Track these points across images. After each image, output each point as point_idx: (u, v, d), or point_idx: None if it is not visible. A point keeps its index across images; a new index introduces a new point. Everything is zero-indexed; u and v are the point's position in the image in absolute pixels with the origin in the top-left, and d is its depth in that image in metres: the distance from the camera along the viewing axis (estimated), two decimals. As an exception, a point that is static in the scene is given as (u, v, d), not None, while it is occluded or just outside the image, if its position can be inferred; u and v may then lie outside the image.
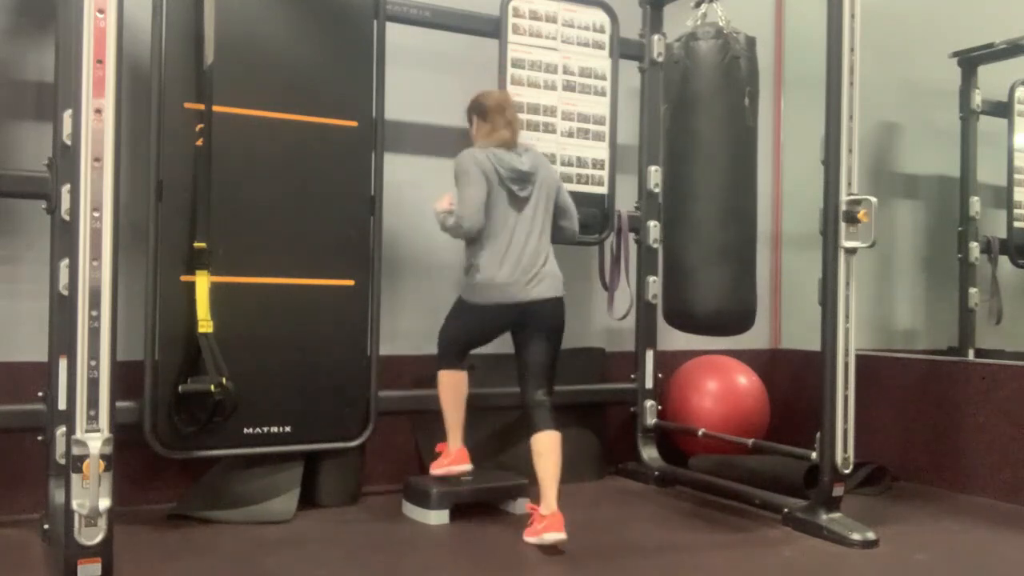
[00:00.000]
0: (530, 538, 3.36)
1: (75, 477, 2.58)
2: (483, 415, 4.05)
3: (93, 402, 2.61)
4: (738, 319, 4.10)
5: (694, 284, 4.04)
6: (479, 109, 3.66)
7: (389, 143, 3.95)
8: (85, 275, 2.61)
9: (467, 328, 3.65)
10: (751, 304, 4.10)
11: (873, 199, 3.42)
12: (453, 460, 3.71)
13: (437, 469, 3.73)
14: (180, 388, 3.45)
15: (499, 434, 4.24)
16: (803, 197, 4.59)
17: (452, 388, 3.70)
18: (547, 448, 3.42)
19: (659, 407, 4.57)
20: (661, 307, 4.34)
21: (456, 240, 3.61)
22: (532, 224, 3.55)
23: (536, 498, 3.41)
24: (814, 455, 3.58)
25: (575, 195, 4.26)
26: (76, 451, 2.58)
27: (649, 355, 4.55)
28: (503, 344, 3.91)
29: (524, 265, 3.50)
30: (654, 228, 4.49)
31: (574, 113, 4.34)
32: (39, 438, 3.25)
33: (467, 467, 3.71)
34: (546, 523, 3.31)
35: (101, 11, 2.64)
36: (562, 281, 3.61)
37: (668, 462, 4.49)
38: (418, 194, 3.82)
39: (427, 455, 4.21)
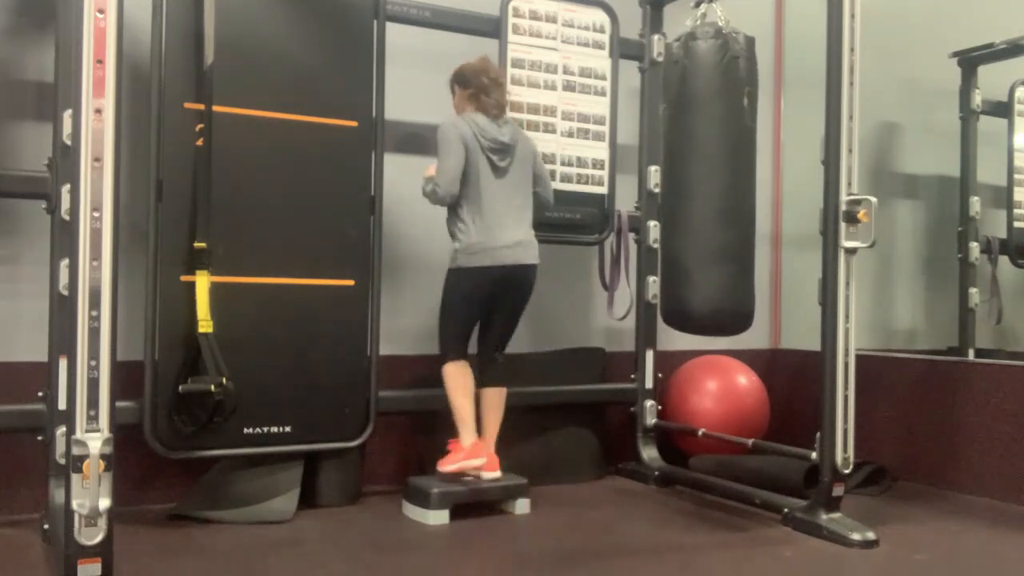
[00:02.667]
0: (448, 466, 3.65)
1: (75, 477, 2.58)
2: (478, 421, 4.04)
3: (93, 402, 2.61)
4: (736, 319, 4.10)
5: (692, 284, 4.04)
6: (460, 78, 3.78)
7: (389, 143, 3.95)
8: (85, 275, 2.61)
9: (463, 301, 3.71)
10: (749, 304, 4.10)
11: (873, 199, 3.42)
12: (468, 453, 3.67)
13: (449, 465, 3.67)
14: (180, 388, 3.44)
15: (499, 435, 4.22)
16: (803, 197, 4.59)
17: (460, 379, 3.71)
18: (497, 402, 3.79)
19: (659, 407, 4.57)
20: (659, 307, 4.34)
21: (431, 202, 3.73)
22: (511, 192, 3.71)
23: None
24: (814, 455, 3.57)
25: (575, 195, 4.29)
26: (76, 451, 2.57)
27: (649, 355, 4.55)
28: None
29: (506, 231, 3.66)
30: (654, 228, 4.49)
31: (574, 113, 4.34)
32: (39, 438, 3.25)
33: (482, 460, 3.68)
34: (485, 462, 3.67)
35: (101, 11, 2.64)
36: (537, 249, 3.78)
37: (668, 462, 4.49)
38: (418, 194, 3.81)
39: (427, 455, 4.21)
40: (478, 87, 3.71)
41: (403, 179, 4.02)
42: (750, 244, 4.10)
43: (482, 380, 3.79)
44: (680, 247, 4.11)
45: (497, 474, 3.72)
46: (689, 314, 4.10)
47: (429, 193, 3.68)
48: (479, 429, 3.76)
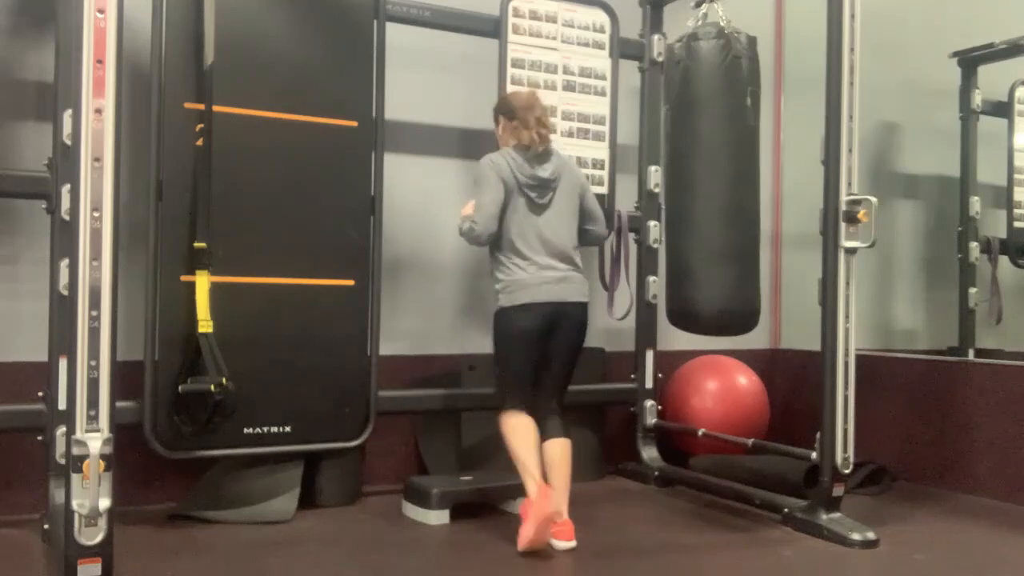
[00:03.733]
0: (528, 529, 3.22)
1: (75, 477, 2.58)
2: (482, 416, 4.05)
3: (93, 402, 2.61)
4: (742, 319, 4.10)
5: (698, 284, 4.04)
6: (505, 109, 3.59)
7: (389, 143, 3.95)
8: (85, 275, 2.61)
9: (510, 343, 3.45)
10: (755, 304, 4.10)
11: (873, 199, 3.42)
12: (540, 498, 3.23)
13: (528, 529, 3.21)
14: (180, 388, 3.44)
15: (498, 435, 4.22)
16: (803, 197, 4.59)
17: (518, 428, 3.39)
18: (561, 458, 3.40)
19: (659, 407, 4.57)
20: (664, 307, 4.34)
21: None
22: (553, 229, 3.49)
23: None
24: (814, 455, 3.57)
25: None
26: (76, 451, 2.57)
27: (649, 355, 4.55)
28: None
29: (548, 268, 3.44)
30: (654, 228, 4.49)
31: (574, 113, 4.34)
32: (39, 438, 3.25)
33: (555, 506, 3.26)
34: (557, 529, 3.30)
35: (101, 11, 2.64)
36: (586, 287, 3.56)
37: (668, 462, 4.49)
38: (418, 194, 3.82)
39: (428, 455, 4.22)
40: (523, 123, 3.50)
41: (403, 179, 4.02)
42: (755, 243, 4.10)
43: (542, 433, 3.42)
44: (684, 247, 4.11)
45: (572, 543, 3.30)
46: (695, 314, 4.09)
47: (466, 232, 3.44)
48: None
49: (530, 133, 3.48)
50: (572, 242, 3.55)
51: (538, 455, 3.35)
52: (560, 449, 3.40)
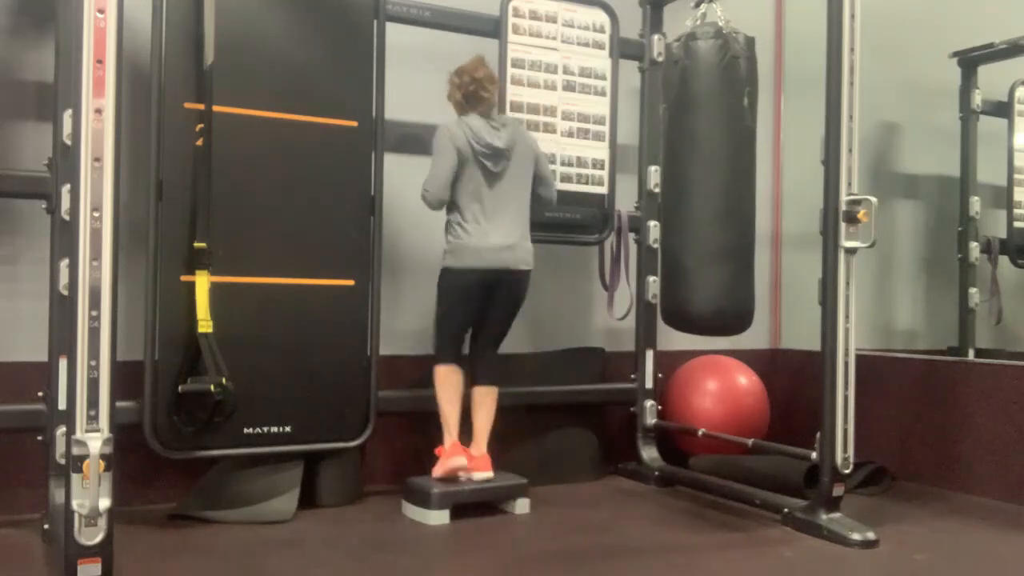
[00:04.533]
0: (437, 472, 3.69)
1: (75, 477, 2.58)
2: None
3: (93, 402, 2.61)
4: (736, 319, 4.11)
5: (692, 284, 4.05)
6: (452, 79, 3.78)
7: (389, 143, 3.95)
8: (85, 275, 2.61)
9: (451, 301, 3.75)
10: (749, 304, 4.11)
11: (873, 199, 3.42)
12: (448, 454, 3.71)
13: (437, 470, 3.72)
14: (180, 388, 3.45)
15: (498, 435, 4.22)
16: (803, 197, 4.59)
17: (447, 383, 3.76)
18: (486, 400, 3.80)
19: (659, 407, 4.57)
20: (659, 307, 4.34)
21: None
22: (506, 196, 3.71)
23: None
24: (814, 455, 3.57)
25: (575, 195, 4.29)
26: (76, 451, 2.58)
27: (649, 355, 4.55)
28: (502, 346, 3.92)
29: (495, 234, 3.67)
30: (654, 228, 4.49)
31: (574, 113, 4.34)
32: (39, 438, 3.25)
33: (462, 460, 3.70)
34: (475, 462, 3.71)
35: (101, 11, 2.64)
36: (532, 255, 3.80)
37: (668, 462, 4.49)
38: (418, 194, 3.81)
39: (427, 455, 4.21)
40: (465, 88, 3.72)
41: (403, 179, 4.02)
42: (750, 244, 4.11)
43: (473, 379, 3.82)
44: (680, 247, 4.11)
45: (489, 474, 3.73)
46: (690, 314, 4.10)
47: (423, 198, 3.73)
48: (470, 428, 3.78)
49: (476, 99, 3.70)
50: (523, 211, 3.79)
51: (459, 408, 3.75)
52: (488, 395, 3.81)
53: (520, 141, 3.78)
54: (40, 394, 3.30)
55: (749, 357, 4.91)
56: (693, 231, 4.06)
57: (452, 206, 3.72)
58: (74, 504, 2.58)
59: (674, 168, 4.19)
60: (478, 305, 3.76)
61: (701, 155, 4.05)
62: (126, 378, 3.13)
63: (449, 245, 3.73)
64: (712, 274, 4.01)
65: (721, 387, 4.64)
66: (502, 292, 3.74)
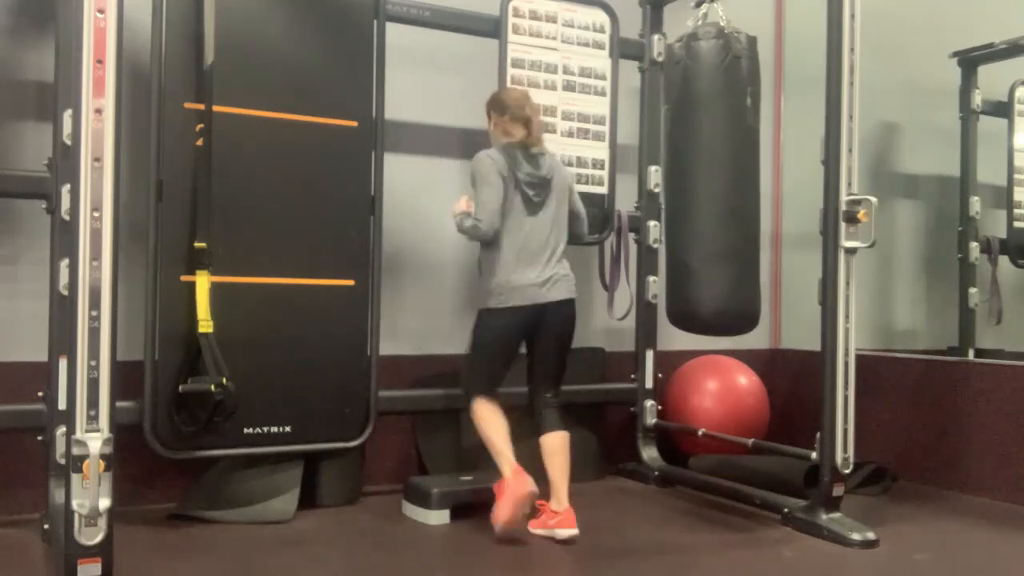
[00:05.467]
0: (537, 529, 3.41)
1: (75, 477, 2.58)
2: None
3: (93, 402, 2.61)
4: (743, 319, 4.10)
5: (698, 284, 4.04)
6: (498, 106, 3.61)
7: (389, 143, 3.95)
8: (85, 275, 2.61)
9: (493, 341, 3.53)
10: (755, 304, 4.10)
11: (873, 199, 3.42)
12: (511, 483, 3.33)
13: (502, 512, 3.31)
14: (180, 388, 3.45)
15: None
16: (803, 197, 4.59)
17: (490, 414, 3.49)
18: (558, 448, 3.48)
19: (659, 407, 4.57)
20: (665, 308, 4.34)
21: (458, 239, 3.62)
22: (547, 227, 3.54)
23: (546, 496, 3.42)
24: (814, 455, 3.58)
25: (575, 195, 4.27)
26: (76, 451, 2.57)
27: (649, 355, 4.55)
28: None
29: (540, 268, 3.49)
30: (654, 228, 4.49)
31: (574, 113, 4.34)
32: (39, 438, 3.25)
33: (531, 484, 3.32)
34: (558, 519, 3.38)
35: (101, 11, 2.64)
36: (575, 283, 3.61)
37: (668, 462, 4.49)
38: (418, 194, 3.82)
39: (428, 455, 4.22)
40: (517, 118, 3.53)
41: (403, 179, 4.02)
42: (754, 243, 4.10)
43: (540, 427, 3.55)
44: (684, 247, 4.11)
45: (574, 531, 3.36)
46: (695, 314, 4.09)
47: (469, 228, 3.47)
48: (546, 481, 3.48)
49: (527, 130, 3.52)
50: (562, 241, 3.61)
51: (509, 438, 3.44)
52: (558, 441, 3.50)
53: (558, 172, 3.63)
54: (40, 394, 3.30)
55: (749, 357, 4.91)
56: (697, 231, 4.06)
57: (492, 240, 3.48)
58: (74, 504, 2.58)
59: (677, 168, 4.18)
60: (517, 343, 3.55)
61: (704, 155, 4.05)
62: (126, 378, 3.13)
63: (490, 284, 3.48)
64: (717, 274, 4.01)
65: (721, 387, 4.64)
66: (548, 327, 3.52)
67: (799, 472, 3.85)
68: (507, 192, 3.46)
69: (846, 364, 3.50)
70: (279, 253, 3.68)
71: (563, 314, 3.54)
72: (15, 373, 3.50)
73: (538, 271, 3.48)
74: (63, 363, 2.75)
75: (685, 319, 4.18)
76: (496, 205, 3.43)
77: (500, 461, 3.41)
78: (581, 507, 3.87)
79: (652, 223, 4.50)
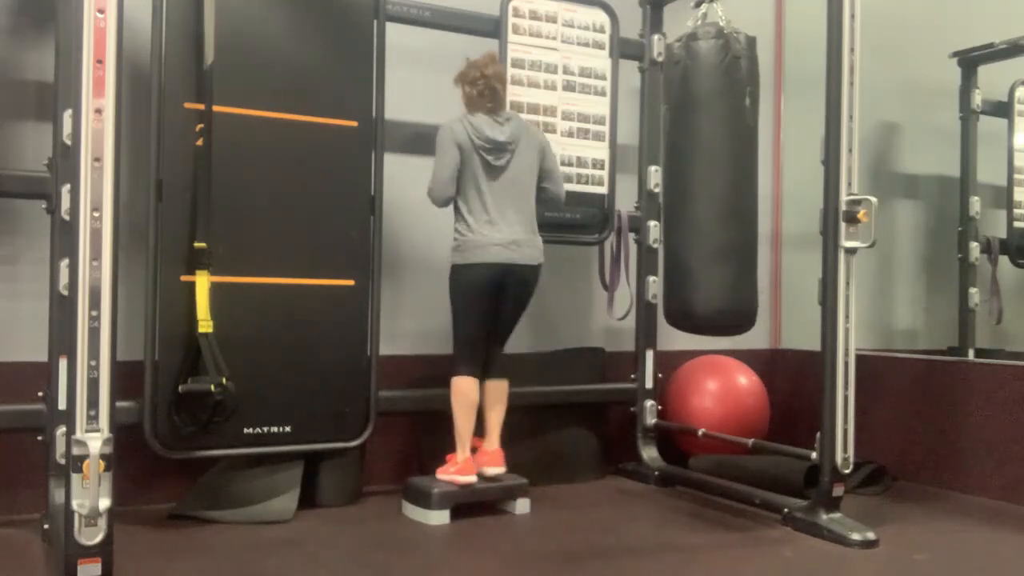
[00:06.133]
0: (442, 476, 3.70)
1: (75, 477, 2.58)
2: (482, 416, 4.05)
3: (93, 402, 2.61)
4: (739, 319, 4.11)
5: (695, 284, 4.05)
6: (462, 77, 3.76)
7: (390, 143, 3.95)
8: (85, 275, 2.61)
9: (463, 300, 3.70)
10: (752, 304, 4.11)
11: (873, 199, 3.42)
12: (459, 470, 3.69)
13: (442, 475, 3.72)
14: (180, 388, 3.44)
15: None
16: (803, 197, 4.59)
17: (464, 395, 3.71)
18: (499, 396, 3.81)
19: (659, 407, 4.57)
20: (662, 307, 4.35)
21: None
22: (510, 191, 3.69)
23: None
24: (814, 455, 3.57)
25: (575, 195, 4.28)
26: (76, 451, 2.58)
27: (649, 355, 4.55)
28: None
29: (500, 229, 3.65)
30: (654, 228, 4.49)
31: (574, 113, 4.34)
32: (39, 438, 3.25)
33: (472, 479, 3.69)
34: (488, 457, 3.75)
35: (101, 11, 2.64)
36: (542, 251, 3.77)
37: (668, 462, 4.49)
38: (418, 194, 3.81)
39: (428, 455, 4.21)
40: (472, 82, 3.70)
41: (403, 179, 4.02)
42: (752, 244, 4.11)
43: (483, 374, 3.78)
44: (682, 247, 4.11)
45: (502, 469, 3.76)
46: (692, 314, 4.10)
47: (428, 196, 3.72)
48: (482, 423, 3.78)
49: (481, 94, 3.69)
50: (530, 205, 3.76)
51: (473, 422, 3.72)
52: (500, 388, 3.81)
53: (525, 136, 3.75)
54: (40, 394, 3.30)
55: (749, 357, 4.91)
56: (696, 231, 4.06)
57: (457, 203, 3.70)
58: (74, 504, 2.58)
59: (676, 168, 4.19)
60: (490, 303, 3.72)
61: (703, 155, 4.05)
62: (126, 378, 3.13)
63: (456, 242, 3.70)
64: (715, 274, 4.01)
65: (721, 387, 4.64)
66: (510, 289, 3.70)
67: (799, 472, 3.85)
68: (466, 158, 3.65)
69: (846, 364, 3.50)
70: (279, 253, 3.68)
71: (526, 278, 3.73)
72: (15, 373, 3.50)
73: (501, 232, 3.65)
74: (63, 363, 2.75)
75: (681, 319, 4.18)
76: (446, 174, 3.65)
77: (459, 442, 3.71)
78: (581, 507, 3.88)
79: (652, 223, 4.50)
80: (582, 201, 4.34)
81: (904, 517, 3.83)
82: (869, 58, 3.56)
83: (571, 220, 4.30)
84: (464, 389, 3.70)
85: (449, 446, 3.78)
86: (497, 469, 3.75)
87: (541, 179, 3.81)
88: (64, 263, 2.89)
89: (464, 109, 3.75)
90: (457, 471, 3.69)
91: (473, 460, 3.73)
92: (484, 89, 3.69)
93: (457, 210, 3.71)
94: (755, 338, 4.78)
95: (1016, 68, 5.16)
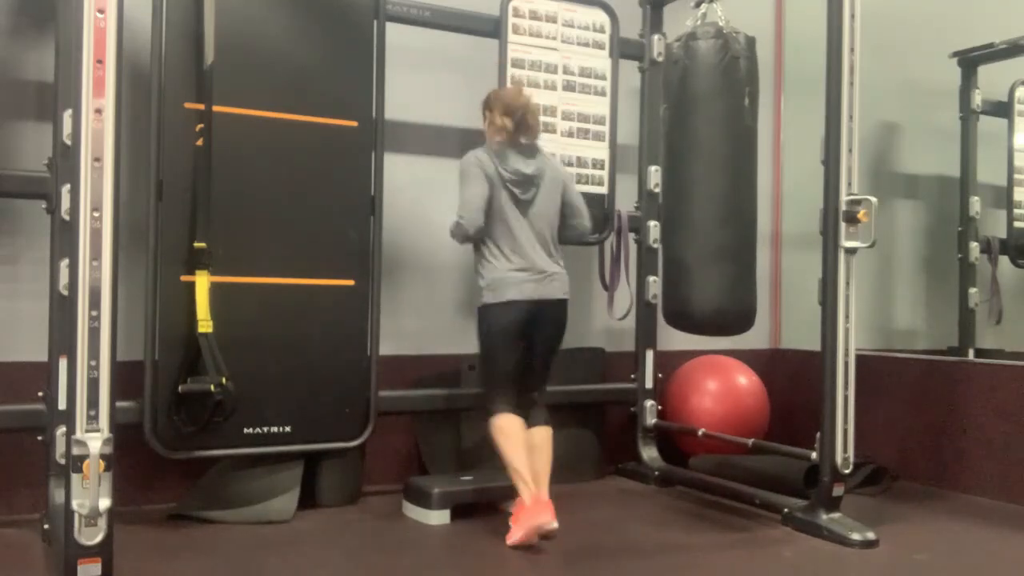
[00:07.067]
0: (517, 534, 3.32)
1: (75, 477, 2.58)
2: (482, 416, 4.04)
3: (93, 402, 2.61)
4: (738, 319, 4.11)
5: (693, 284, 4.04)
6: (491, 104, 3.63)
7: (389, 143, 3.95)
8: (85, 275, 2.61)
9: (496, 339, 3.53)
10: (751, 304, 4.10)
11: (873, 199, 3.42)
12: (530, 512, 3.32)
13: (516, 534, 3.32)
14: (180, 388, 3.44)
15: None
16: (803, 197, 4.59)
17: (513, 434, 3.47)
18: (544, 444, 3.54)
19: (659, 407, 4.57)
20: (661, 307, 4.35)
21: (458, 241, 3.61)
22: (536, 226, 3.56)
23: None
24: (814, 455, 3.58)
25: (575, 195, 4.26)
26: (76, 451, 2.57)
27: (649, 355, 4.55)
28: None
29: (531, 266, 3.51)
30: (654, 228, 4.49)
31: (574, 113, 4.34)
32: (39, 438, 3.25)
33: (547, 518, 3.31)
34: (540, 508, 3.37)
35: (101, 11, 2.64)
36: (568, 283, 3.62)
37: (668, 462, 4.49)
38: (419, 194, 3.82)
39: (428, 455, 4.22)
40: (508, 116, 3.53)
41: (403, 179, 4.02)
42: (751, 244, 4.10)
43: (527, 422, 3.55)
44: (681, 247, 4.11)
45: (554, 524, 3.33)
46: (691, 314, 4.10)
47: (453, 228, 3.53)
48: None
49: (516, 128, 3.53)
50: (554, 239, 3.63)
51: (528, 458, 3.44)
52: (543, 436, 3.56)
53: (549, 169, 3.63)
54: (40, 394, 3.30)
55: (749, 357, 4.91)
56: (695, 231, 4.06)
57: (483, 238, 3.52)
58: (74, 504, 2.58)
59: (675, 168, 4.19)
60: (521, 341, 3.55)
61: (702, 155, 4.05)
62: (126, 378, 3.13)
63: (485, 280, 3.53)
64: (713, 273, 4.01)
65: (721, 387, 4.65)
66: (543, 325, 3.55)
67: (799, 472, 3.85)
68: (494, 191, 3.49)
69: (846, 364, 3.50)
70: (279, 253, 3.68)
71: (556, 315, 3.58)
72: (15, 373, 3.50)
73: (530, 267, 3.51)
74: (63, 363, 2.75)
75: (680, 318, 4.18)
76: (479, 203, 3.46)
77: (518, 484, 3.40)
78: (581, 507, 3.88)
79: (652, 223, 4.50)
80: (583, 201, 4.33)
81: (904, 517, 3.83)
82: (869, 58, 3.56)
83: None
84: (508, 427, 3.47)
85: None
86: (551, 524, 3.31)
87: (565, 214, 3.68)
88: (64, 263, 2.89)
89: (488, 137, 3.61)
90: (528, 513, 3.32)
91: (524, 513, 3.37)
92: (522, 122, 3.54)
93: (483, 246, 3.54)
94: (755, 338, 4.78)
95: (1016, 68, 5.16)
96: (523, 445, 3.46)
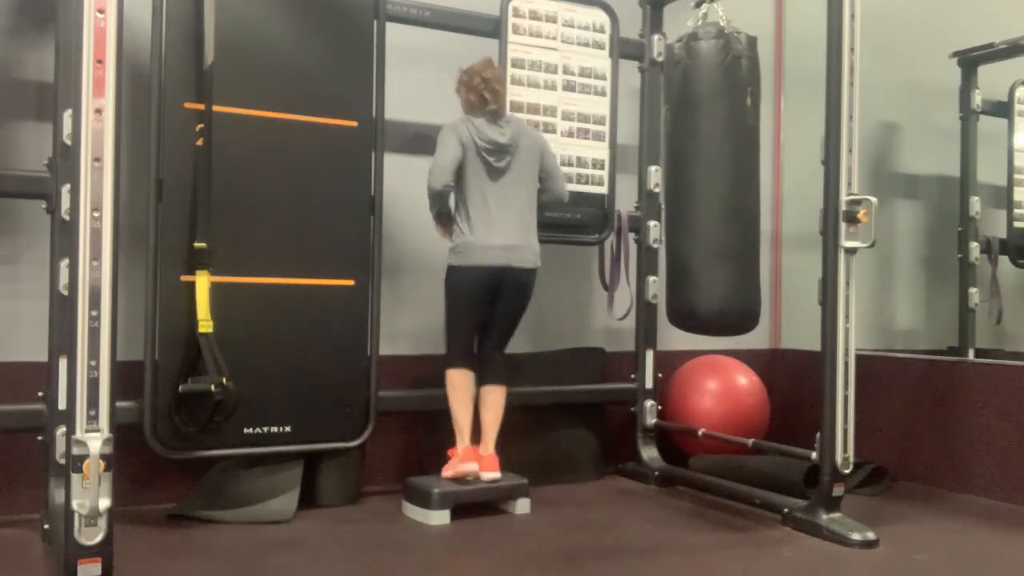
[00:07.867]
0: (447, 473, 3.70)
1: (75, 477, 2.58)
2: (477, 420, 4.06)
3: (93, 402, 2.61)
4: (743, 319, 4.11)
5: (698, 284, 4.05)
6: (462, 84, 3.80)
7: (389, 143, 3.95)
8: (85, 275, 2.61)
9: (456, 300, 3.76)
10: (755, 304, 4.11)
11: (873, 199, 3.42)
12: (460, 458, 3.72)
13: (447, 471, 3.73)
14: (180, 388, 3.45)
15: (499, 435, 4.22)
16: (803, 197, 4.59)
17: (460, 388, 3.77)
18: (495, 401, 3.80)
19: (659, 407, 4.57)
20: (665, 308, 4.35)
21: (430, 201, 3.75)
22: (509, 194, 3.72)
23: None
24: (814, 455, 3.57)
25: (575, 195, 4.28)
26: (76, 451, 2.57)
27: (649, 355, 4.55)
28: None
29: (497, 233, 3.68)
30: (654, 228, 4.49)
31: (574, 113, 4.34)
32: (39, 438, 3.25)
33: (474, 466, 3.71)
34: (484, 462, 3.72)
35: (101, 11, 2.64)
36: (538, 254, 3.81)
37: (668, 462, 4.49)
38: (418, 194, 3.81)
39: (428, 455, 4.21)
40: (472, 87, 3.73)
41: (403, 179, 4.02)
42: (754, 243, 4.11)
43: (480, 379, 3.80)
44: (684, 247, 4.11)
45: (497, 475, 3.74)
46: (695, 314, 4.10)
47: (428, 189, 3.71)
48: (477, 426, 3.78)
49: (482, 98, 3.71)
50: (530, 209, 3.79)
51: (472, 413, 3.76)
52: (497, 394, 3.80)
53: (525, 137, 3.79)
54: (40, 394, 3.30)
55: (749, 357, 4.91)
56: (698, 231, 4.06)
57: (456, 204, 3.73)
58: (74, 504, 2.58)
59: (677, 168, 4.19)
60: (483, 305, 3.76)
61: (704, 155, 4.05)
62: (126, 378, 3.13)
63: (453, 243, 3.74)
64: (717, 274, 4.01)
65: (721, 387, 4.64)
66: (507, 292, 3.74)
67: (799, 472, 3.84)
68: (467, 156, 3.67)
69: (846, 364, 3.50)
70: (279, 253, 3.68)
71: (522, 282, 3.76)
72: (15, 373, 3.50)
73: (499, 236, 3.68)
74: (63, 363, 2.75)
75: (684, 319, 4.18)
76: (446, 163, 3.64)
77: (458, 433, 3.75)
78: (581, 507, 3.88)
79: (652, 223, 4.50)
80: (582, 201, 4.34)
81: (904, 517, 3.83)
82: (869, 58, 3.56)
83: (571, 220, 4.30)
84: (457, 381, 3.76)
85: (449, 443, 3.78)
86: (492, 474, 3.74)
87: (542, 179, 3.84)
88: (64, 263, 2.89)
89: (464, 111, 3.78)
90: (459, 460, 3.72)
91: (451, 465, 3.74)
92: (485, 92, 3.71)
93: (456, 212, 3.73)
94: (755, 338, 4.78)
95: (1016, 68, 5.16)
96: (468, 400, 3.76)
